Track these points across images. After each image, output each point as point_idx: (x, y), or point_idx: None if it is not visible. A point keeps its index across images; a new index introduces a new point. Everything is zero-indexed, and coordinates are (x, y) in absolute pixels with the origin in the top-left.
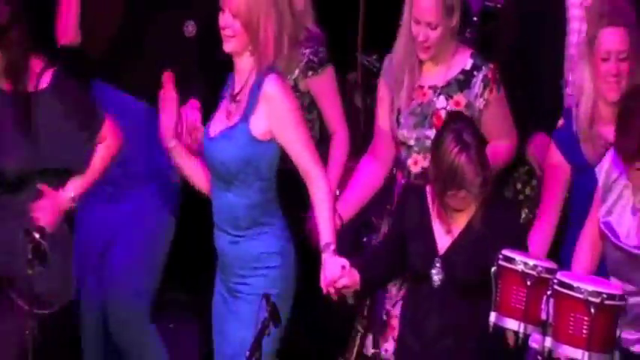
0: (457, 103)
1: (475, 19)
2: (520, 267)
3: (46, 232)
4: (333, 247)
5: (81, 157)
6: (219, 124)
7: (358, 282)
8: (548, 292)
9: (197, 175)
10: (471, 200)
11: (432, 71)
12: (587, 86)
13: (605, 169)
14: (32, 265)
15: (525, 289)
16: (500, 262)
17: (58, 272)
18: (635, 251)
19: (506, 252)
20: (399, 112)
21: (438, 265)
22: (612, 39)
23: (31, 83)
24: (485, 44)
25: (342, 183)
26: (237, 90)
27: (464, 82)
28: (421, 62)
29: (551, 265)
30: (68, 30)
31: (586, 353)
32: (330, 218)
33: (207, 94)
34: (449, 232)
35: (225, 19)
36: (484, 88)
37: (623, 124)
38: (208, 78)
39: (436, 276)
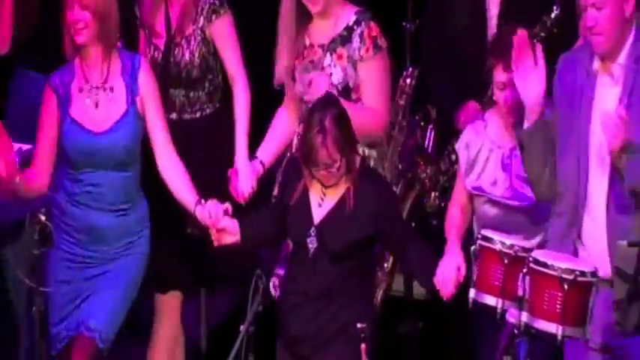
0: (340, 57)
1: None
2: (498, 246)
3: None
4: (201, 200)
5: None
6: (94, 116)
7: (238, 231)
8: (524, 270)
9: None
10: (336, 178)
11: (320, 28)
12: None
13: (464, 145)
14: (38, 246)
15: (503, 267)
16: (480, 242)
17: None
18: (509, 201)
19: (485, 232)
20: (293, 68)
21: (312, 234)
22: None
23: None
24: None
25: None
26: (100, 80)
27: (346, 37)
28: (309, 18)
29: (528, 244)
30: (4, 41)
31: (560, 327)
32: (186, 181)
33: None
34: (324, 204)
35: (74, 14)
36: (360, 42)
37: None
38: None
39: (311, 244)
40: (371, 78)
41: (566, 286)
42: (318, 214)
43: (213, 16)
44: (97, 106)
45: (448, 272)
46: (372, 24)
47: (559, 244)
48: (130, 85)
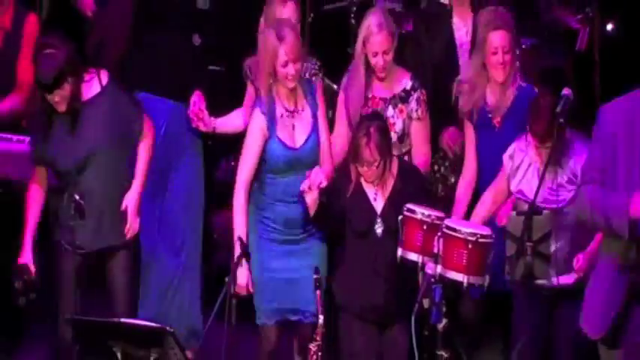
0: (401, 111)
1: None
2: (419, 216)
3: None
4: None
5: (128, 147)
6: (292, 135)
7: (316, 205)
8: (439, 234)
9: None
10: (374, 175)
11: (381, 85)
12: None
13: (508, 155)
14: (74, 219)
15: (422, 232)
16: (405, 213)
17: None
18: (542, 204)
19: (409, 205)
20: (358, 115)
21: (379, 221)
22: (497, 38)
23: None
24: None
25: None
26: (293, 106)
27: (405, 97)
28: (371, 79)
29: (441, 214)
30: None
31: (465, 276)
32: (327, 157)
33: (206, 90)
34: (378, 198)
35: (290, 69)
36: (417, 105)
37: (535, 115)
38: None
39: (379, 229)
40: (421, 131)
41: (470, 246)
42: (377, 206)
43: (314, 78)
44: (293, 127)
45: None
46: (423, 90)
47: None
48: (311, 104)
